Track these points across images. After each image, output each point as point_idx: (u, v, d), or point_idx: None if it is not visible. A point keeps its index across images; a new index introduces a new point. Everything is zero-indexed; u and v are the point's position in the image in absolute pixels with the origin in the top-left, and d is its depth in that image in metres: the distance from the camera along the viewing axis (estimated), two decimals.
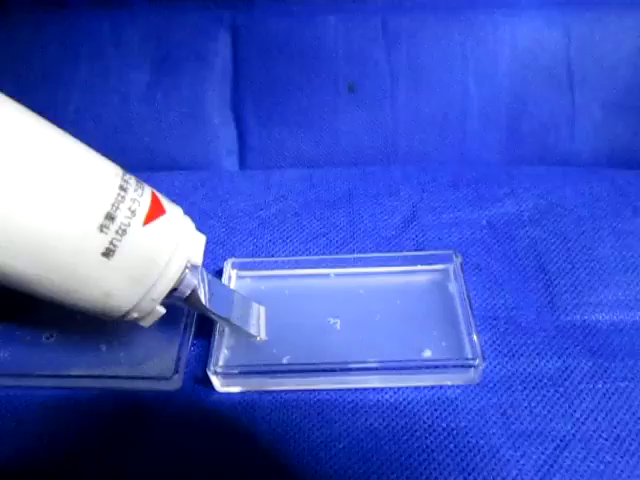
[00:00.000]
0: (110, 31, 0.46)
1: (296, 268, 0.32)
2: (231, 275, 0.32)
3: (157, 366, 0.29)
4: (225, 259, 0.33)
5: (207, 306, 0.27)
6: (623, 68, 0.44)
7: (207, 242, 0.35)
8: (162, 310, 0.26)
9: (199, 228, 0.36)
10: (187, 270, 0.26)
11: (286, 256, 0.34)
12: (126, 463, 0.27)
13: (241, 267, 0.33)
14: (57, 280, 0.23)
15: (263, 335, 0.29)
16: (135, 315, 0.25)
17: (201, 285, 0.26)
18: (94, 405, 0.29)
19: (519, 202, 0.37)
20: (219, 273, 0.32)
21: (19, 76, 0.46)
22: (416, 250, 0.34)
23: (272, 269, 0.33)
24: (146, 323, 0.27)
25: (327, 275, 0.32)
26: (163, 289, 0.25)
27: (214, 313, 0.27)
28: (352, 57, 0.45)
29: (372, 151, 0.45)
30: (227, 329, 0.29)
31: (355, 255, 0.33)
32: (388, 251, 0.34)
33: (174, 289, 0.26)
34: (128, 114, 0.45)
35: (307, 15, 0.45)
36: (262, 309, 0.30)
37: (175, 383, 0.29)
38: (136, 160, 0.45)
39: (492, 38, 0.44)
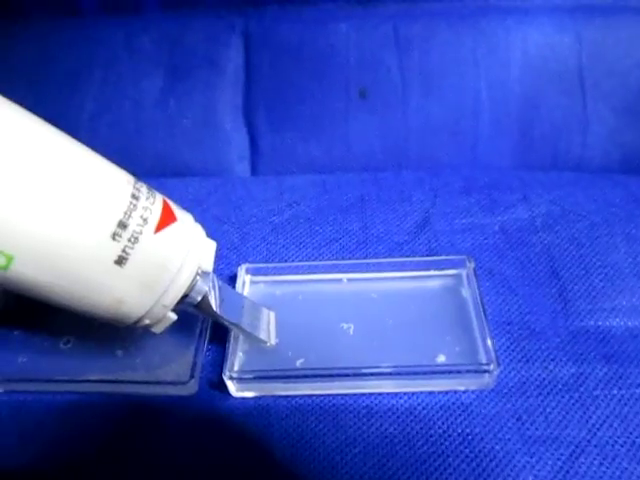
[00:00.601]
0: (124, 38, 0.47)
1: (309, 273, 0.32)
2: (245, 280, 0.32)
3: (173, 371, 0.29)
4: (239, 264, 0.33)
5: (218, 312, 0.27)
6: (635, 73, 0.44)
7: (220, 248, 0.35)
8: (174, 316, 0.27)
9: (212, 234, 0.36)
10: (198, 277, 0.26)
11: (299, 261, 0.35)
12: (143, 467, 0.27)
13: (255, 272, 0.33)
14: (70, 287, 0.23)
15: (273, 340, 0.30)
16: (147, 321, 0.26)
17: (212, 291, 0.27)
18: (111, 410, 0.29)
19: (532, 208, 0.37)
20: (233, 278, 0.33)
21: (34, 83, 0.47)
22: (428, 255, 0.34)
23: (286, 274, 0.33)
24: (158, 329, 0.27)
25: (340, 280, 0.32)
26: (174, 296, 0.25)
27: (225, 319, 0.28)
28: (364, 63, 0.45)
29: (384, 156, 0.45)
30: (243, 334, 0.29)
31: (368, 260, 0.33)
32: (400, 256, 0.34)
33: (185, 295, 0.26)
34: (141, 120, 0.46)
35: (319, 22, 0.46)
36: (272, 314, 0.31)
37: (191, 388, 0.29)
38: (149, 166, 0.46)
39: (504, 44, 0.44)
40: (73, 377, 0.30)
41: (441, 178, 0.40)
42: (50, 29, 0.48)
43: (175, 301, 0.26)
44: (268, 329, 0.30)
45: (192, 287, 0.26)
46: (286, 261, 0.35)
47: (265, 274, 0.33)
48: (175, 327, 0.31)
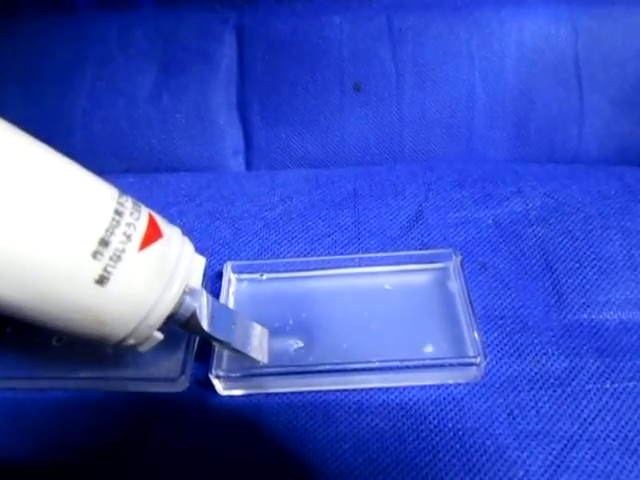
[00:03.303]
0: (117, 34, 0.47)
1: (297, 269, 0.32)
2: (231, 278, 0.32)
3: (163, 368, 0.29)
4: (231, 260, 0.33)
5: (207, 330, 0.26)
6: (632, 64, 0.44)
7: (212, 243, 0.35)
8: (160, 336, 0.25)
9: (204, 229, 0.36)
10: (185, 295, 0.25)
11: (291, 257, 0.34)
12: (133, 464, 0.27)
13: (241, 270, 0.33)
14: (49, 308, 0.22)
15: (265, 359, 0.28)
16: (132, 342, 0.25)
17: (201, 309, 0.25)
18: (101, 407, 0.29)
19: (526, 201, 0.36)
20: (220, 275, 0.32)
21: (27, 79, 0.47)
22: (420, 249, 0.34)
23: (272, 271, 0.33)
24: (143, 348, 0.26)
25: (329, 275, 0.32)
26: (160, 315, 0.24)
27: (215, 338, 0.26)
28: (357, 56, 0.45)
29: (378, 150, 0.45)
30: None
31: (356, 255, 0.33)
32: (393, 251, 0.34)
33: (172, 314, 0.25)
34: (135, 116, 0.46)
35: (312, 15, 0.45)
36: (265, 332, 0.29)
37: (181, 385, 0.29)
38: (143, 162, 0.45)
39: (498, 35, 0.44)
40: (64, 374, 0.30)
41: (435, 172, 0.39)
42: (43, 25, 0.48)
43: (161, 321, 0.24)
44: (260, 346, 0.28)
45: (179, 306, 0.25)
46: (277, 256, 0.34)
47: (251, 272, 0.33)
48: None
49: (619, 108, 0.44)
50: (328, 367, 0.27)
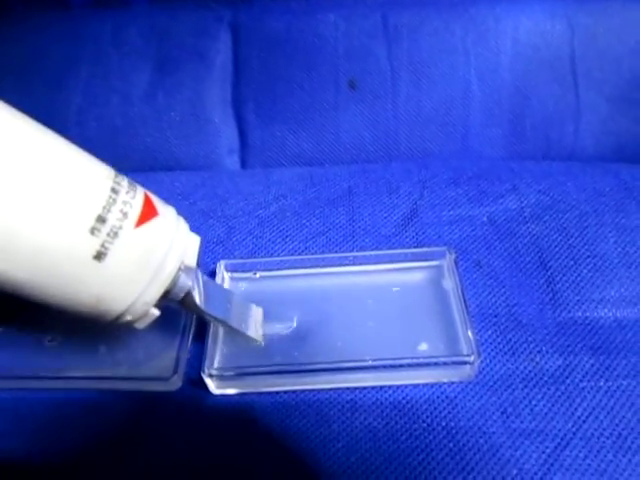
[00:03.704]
0: (111, 32, 0.47)
1: (291, 268, 0.32)
2: (224, 277, 0.32)
3: (156, 367, 0.29)
4: (225, 258, 0.33)
5: (202, 308, 0.27)
6: (628, 60, 0.43)
7: (206, 242, 0.35)
8: (156, 312, 0.26)
9: (198, 228, 0.36)
10: (181, 272, 0.26)
11: (285, 255, 0.34)
12: (126, 463, 0.27)
13: (234, 269, 0.33)
14: (48, 283, 0.23)
15: (260, 338, 0.29)
16: (129, 318, 0.25)
17: (196, 287, 0.26)
18: (94, 406, 0.29)
19: (521, 198, 0.36)
20: (213, 274, 0.32)
21: (21, 77, 0.46)
22: (415, 247, 0.34)
23: (266, 270, 0.32)
24: (140, 325, 0.26)
25: (322, 274, 0.32)
26: (156, 292, 0.25)
27: (210, 315, 0.27)
28: (352, 54, 0.44)
29: (374, 148, 0.45)
30: (222, 331, 0.29)
31: (350, 254, 0.33)
32: (387, 249, 0.34)
33: (168, 291, 0.25)
34: (129, 114, 0.46)
35: (307, 12, 0.45)
36: (260, 311, 0.30)
37: (174, 384, 0.29)
38: (138, 160, 0.45)
39: (494, 32, 0.44)
40: (57, 374, 0.29)
41: (429, 169, 0.39)
42: (37, 23, 0.47)
43: (157, 297, 0.25)
44: (256, 326, 0.29)
45: (175, 283, 0.25)
46: (272, 255, 0.34)
47: (245, 270, 0.32)
48: (159, 322, 0.31)
49: (615, 105, 0.44)
50: (321, 366, 0.27)
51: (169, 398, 0.29)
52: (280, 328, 0.30)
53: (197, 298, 0.26)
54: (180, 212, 0.38)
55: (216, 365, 0.28)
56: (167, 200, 0.37)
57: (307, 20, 0.45)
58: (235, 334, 0.28)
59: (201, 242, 0.28)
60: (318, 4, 0.45)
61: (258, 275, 0.32)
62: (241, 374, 0.27)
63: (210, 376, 0.27)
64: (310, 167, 0.42)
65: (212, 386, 0.28)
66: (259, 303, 0.31)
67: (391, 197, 0.37)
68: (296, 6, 0.46)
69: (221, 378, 0.27)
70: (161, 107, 0.45)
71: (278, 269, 0.33)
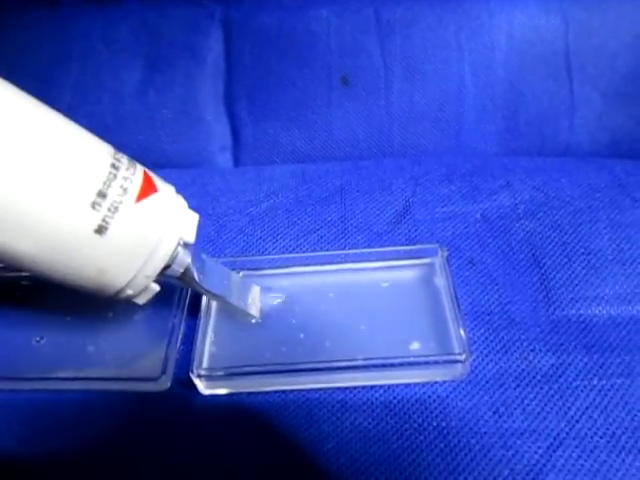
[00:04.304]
0: (101, 29, 0.46)
1: (282, 266, 0.32)
2: None
3: (144, 367, 0.29)
4: (215, 256, 0.32)
5: (201, 284, 0.27)
6: (623, 55, 0.43)
7: (197, 239, 0.35)
8: (156, 287, 0.27)
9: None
10: (180, 248, 0.26)
11: (276, 253, 0.34)
12: (114, 464, 0.26)
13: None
14: (50, 257, 0.23)
15: (258, 314, 0.30)
16: (130, 292, 0.26)
17: (195, 263, 0.27)
18: (82, 407, 0.28)
19: (514, 195, 0.36)
20: None
21: (11, 74, 0.45)
22: (407, 245, 0.33)
23: (256, 268, 0.32)
24: (141, 300, 0.27)
25: (314, 272, 0.32)
26: (156, 266, 0.25)
27: (209, 291, 0.28)
28: (345, 50, 0.44)
29: (367, 144, 0.44)
30: (213, 328, 0.29)
31: (342, 252, 0.32)
32: (380, 247, 0.33)
33: (167, 266, 0.26)
34: (120, 112, 0.45)
35: (299, 8, 0.45)
36: (257, 289, 0.31)
37: (163, 384, 0.28)
38: (129, 158, 0.45)
39: (488, 27, 0.43)
40: (45, 374, 0.29)
41: (422, 166, 0.39)
42: (26, 20, 0.47)
43: (157, 271, 0.26)
44: (254, 303, 0.30)
45: (174, 258, 0.26)
46: (263, 253, 0.34)
47: (234, 269, 0.32)
48: (147, 321, 0.31)
49: (610, 100, 0.43)
50: (311, 365, 0.27)
51: (158, 398, 0.28)
52: (273, 298, 0.31)
53: (196, 274, 0.27)
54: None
55: (205, 365, 0.28)
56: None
57: (299, 16, 0.44)
58: (233, 310, 0.29)
59: (200, 220, 0.28)
60: (310, 0, 0.45)
61: (241, 274, 0.32)
62: (230, 374, 0.27)
63: (199, 376, 0.27)
64: (302, 164, 0.42)
65: (201, 386, 0.27)
66: None
67: (383, 194, 0.37)
68: (288, 2, 0.45)
69: (210, 378, 0.27)
70: (152, 104, 0.45)
71: (269, 267, 0.32)
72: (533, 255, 0.32)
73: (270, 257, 0.33)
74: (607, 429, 0.26)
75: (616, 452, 0.25)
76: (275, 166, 0.42)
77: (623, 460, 0.25)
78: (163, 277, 0.26)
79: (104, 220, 0.23)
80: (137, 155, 0.45)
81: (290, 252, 0.34)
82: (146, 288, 0.26)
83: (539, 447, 0.25)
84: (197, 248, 0.27)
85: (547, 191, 0.36)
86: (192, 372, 0.27)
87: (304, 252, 0.34)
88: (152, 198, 0.25)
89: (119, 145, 0.45)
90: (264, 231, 0.35)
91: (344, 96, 0.44)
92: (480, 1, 0.43)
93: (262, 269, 0.32)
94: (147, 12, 0.46)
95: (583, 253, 0.32)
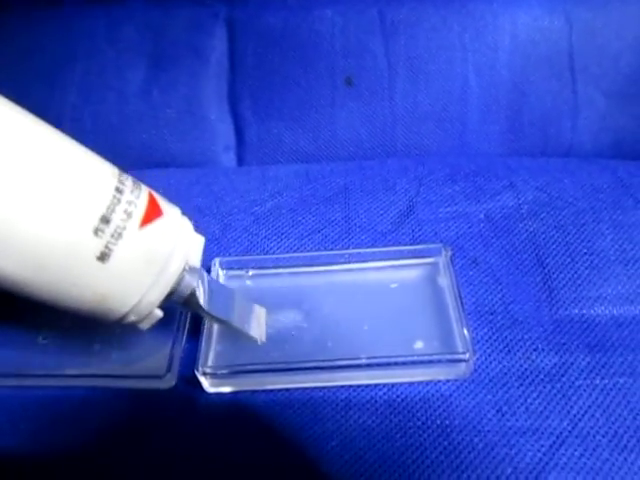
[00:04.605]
0: (106, 28, 0.46)
1: (287, 265, 0.32)
2: (219, 274, 0.32)
3: (150, 365, 0.29)
4: (220, 256, 0.33)
5: (206, 309, 0.26)
6: (627, 56, 0.43)
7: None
8: (160, 313, 0.26)
9: (193, 225, 0.35)
10: (185, 273, 0.25)
11: (280, 252, 0.34)
12: (119, 462, 0.27)
13: (229, 266, 0.33)
14: (51, 284, 0.23)
15: (263, 338, 0.29)
16: (133, 318, 0.25)
17: (200, 287, 0.26)
18: (88, 404, 0.28)
19: (518, 195, 0.36)
20: (208, 271, 0.32)
21: (16, 74, 0.46)
22: (411, 245, 0.33)
23: (261, 267, 0.32)
24: (144, 326, 0.26)
25: (319, 271, 0.32)
26: (160, 292, 0.25)
27: (214, 316, 0.27)
28: (349, 50, 0.44)
29: (370, 144, 0.44)
30: (219, 327, 0.29)
31: (345, 251, 0.32)
32: (384, 246, 0.34)
33: (172, 292, 0.25)
34: (125, 111, 0.45)
35: (303, 8, 0.45)
36: (263, 311, 0.30)
37: (168, 382, 0.28)
38: (133, 157, 0.45)
39: (491, 28, 0.43)
40: (51, 372, 0.29)
41: (426, 166, 0.39)
42: (31, 20, 0.47)
43: (161, 298, 0.25)
44: (258, 325, 0.29)
45: (179, 283, 0.25)
46: (267, 252, 0.34)
47: (240, 268, 0.32)
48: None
49: (613, 101, 0.43)
50: (316, 364, 0.27)
51: (163, 396, 0.28)
52: (284, 322, 0.30)
53: (201, 299, 0.26)
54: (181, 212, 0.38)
55: (210, 363, 0.28)
56: (167, 199, 0.37)
57: (303, 16, 0.45)
58: (237, 333, 0.28)
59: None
60: (314, 0, 0.45)
61: (251, 273, 0.32)
62: (235, 372, 0.27)
63: (204, 374, 0.27)
64: (306, 164, 0.42)
65: (206, 384, 0.28)
66: (253, 301, 0.31)
67: (387, 194, 0.37)
68: (292, 2, 0.45)
69: (215, 376, 0.27)
70: (156, 104, 0.45)
71: (273, 267, 0.32)
72: (536, 255, 0.33)
73: (274, 256, 0.33)
74: (609, 428, 0.26)
75: (618, 451, 0.25)
76: (279, 166, 0.42)
77: (625, 459, 0.25)
78: (167, 302, 0.26)
79: (107, 247, 0.22)
80: (141, 154, 0.46)
81: (294, 251, 0.34)
82: (150, 314, 0.25)
83: (542, 445, 0.25)
84: (203, 270, 0.27)
85: (550, 191, 0.36)
86: (197, 370, 0.27)
87: (308, 251, 0.34)
88: (157, 223, 0.24)
89: (123, 144, 0.46)
90: (268, 230, 0.35)
91: (348, 96, 0.44)
92: (484, 2, 0.43)
93: (266, 268, 0.33)
94: (151, 12, 0.46)
95: (586, 253, 0.32)
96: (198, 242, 0.27)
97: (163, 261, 0.24)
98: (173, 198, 0.38)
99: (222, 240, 0.35)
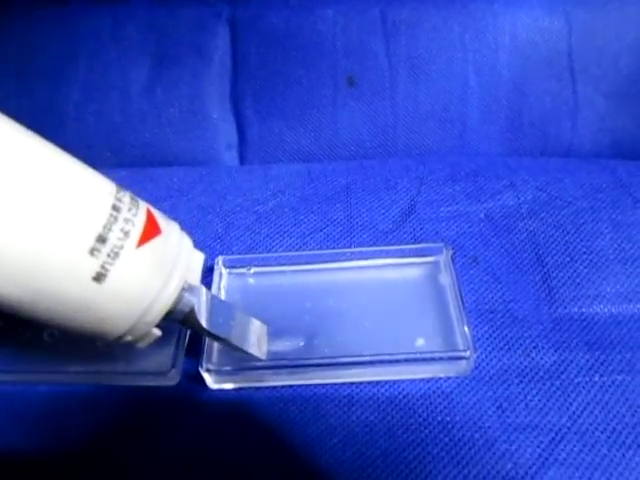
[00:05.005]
0: (110, 27, 0.46)
1: (289, 264, 0.32)
2: (222, 272, 0.32)
3: (154, 362, 0.29)
4: (222, 254, 0.33)
5: (206, 327, 0.25)
6: (626, 56, 0.43)
7: (204, 237, 0.35)
8: (158, 332, 0.25)
9: (196, 224, 0.36)
10: (184, 292, 0.25)
11: (283, 251, 0.34)
12: (124, 458, 0.27)
13: (232, 264, 0.33)
14: (46, 304, 0.22)
15: (264, 356, 0.28)
16: (129, 338, 0.24)
17: (199, 305, 0.25)
18: (92, 401, 0.29)
19: (518, 194, 0.36)
20: (211, 269, 0.32)
21: (20, 73, 0.46)
22: (412, 243, 0.34)
23: (263, 266, 0.33)
24: (141, 345, 0.25)
25: (320, 270, 0.32)
26: (158, 312, 0.24)
27: (213, 334, 0.26)
28: (351, 50, 0.44)
29: (372, 144, 0.45)
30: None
31: (347, 250, 0.33)
32: (385, 245, 0.34)
33: (170, 311, 0.24)
34: (128, 110, 0.46)
35: (305, 8, 0.45)
36: (264, 328, 0.29)
37: (172, 378, 0.29)
38: (136, 155, 0.45)
39: (492, 28, 0.44)
40: (55, 369, 0.30)
41: (427, 165, 0.39)
42: (35, 19, 0.47)
43: (159, 318, 0.24)
44: (259, 342, 0.28)
45: (177, 303, 0.24)
46: (269, 251, 0.35)
47: (242, 266, 0.32)
48: None
49: (613, 101, 0.44)
50: (318, 361, 0.27)
51: (167, 393, 0.29)
52: (287, 345, 0.29)
53: (201, 318, 0.25)
54: (178, 208, 0.38)
55: (214, 360, 0.28)
56: (165, 196, 0.37)
57: (305, 16, 0.45)
58: (237, 351, 0.27)
59: (205, 259, 0.27)
60: (316, 0, 0.45)
61: (252, 270, 0.32)
62: (238, 369, 0.27)
63: (208, 371, 0.27)
64: (308, 163, 0.42)
65: (210, 381, 0.28)
66: (256, 300, 0.31)
67: (389, 193, 0.37)
68: (294, 2, 0.46)
69: (219, 373, 0.28)
70: (159, 103, 0.46)
71: (275, 265, 0.33)
72: (536, 254, 0.33)
73: (277, 255, 0.33)
74: (608, 424, 0.26)
75: (616, 447, 0.25)
76: (281, 165, 0.42)
77: (623, 455, 0.25)
78: (165, 322, 0.25)
79: (103, 267, 0.21)
80: (144, 152, 0.46)
81: (296, 250, 0.34)
82: (147, 334, 0.25)
83: (541, 442, 0.26)
84: (201, 287, 0.26)
85: (550, 191, 0.36)
86: (201, 367, 0.27)
87: (310, 250, 0.34)
88: (155, 241, 0.23)
89: (126, 143, 0.46)
90: (271, 229, 0.36)
91: (349, 96, 0.44)
92: (484, 2, 0.44)
93: (269, 266, 0.33)
94: (155, 11, 0.47)
95: (585, 252, 0.33)
96: (198, 259, 0.26)
97: (161, 281, 0.23)
98: (176, 196, 0.39)
99: (225, 238, 0.35)
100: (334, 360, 0.27)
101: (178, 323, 0.26)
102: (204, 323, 0.25)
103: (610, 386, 0.27)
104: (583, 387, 0.27)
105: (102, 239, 0.21)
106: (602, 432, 0.26)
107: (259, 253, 0.34)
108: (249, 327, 0.28)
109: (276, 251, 0.35)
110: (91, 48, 0.46)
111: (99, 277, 0.22)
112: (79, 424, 0.28)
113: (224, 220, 0.37)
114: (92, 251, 0.21)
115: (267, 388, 0.28)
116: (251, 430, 0.27)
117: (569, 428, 0.26)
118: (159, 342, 0.30)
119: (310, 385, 0.28)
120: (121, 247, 0.22)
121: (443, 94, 0.44)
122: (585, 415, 0.26)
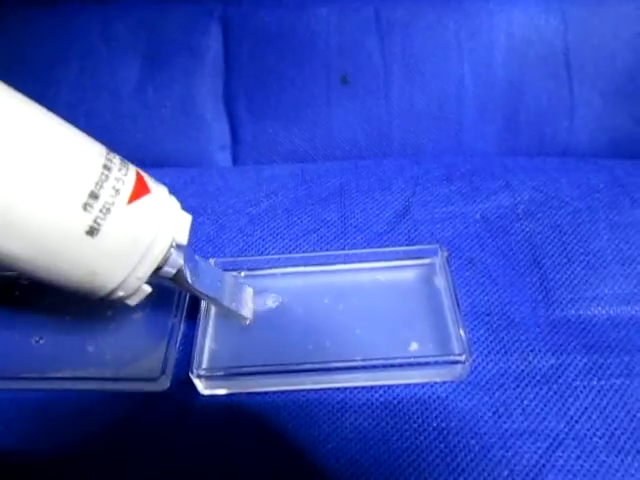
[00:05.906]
0: (100, 27, 0.46)
1: (282, 266, 0.32)
2: None
3: (144, 367, 0.29)
4: (215, 256, 0.32)
5: (194, 286, 0.27)
6: (623, 54, 0.43)
7: (196, 239, 0.35)
8: (148, 289, 0.26)
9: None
10: (172, 249, 0.26)
11: (276, 253, 0.34)
12: (113, 464, 0.26)
13: (225, 267, 0.32)
14: (41, 258, 0.23)
15: (250, 316, 0.30)
16: (121, 294, 0.26)
17: (187, 265, 0.27)
18: (82, 406, 0.28)
19: (514, 195, 0.36)
20: None
21: (10, 72, 0.45)
22: (407, 245, 0.33)
23: (256, 268, 0.32)
24: (132, 302, 0.27)
25: (313, 272, 0.32)
26: (148, 268, 0.25)
27: (202, 293, 0.28)
28: (345, 49, 0.44)
29: (366, 144, 0.44)
30: (213, 329, 0.29)
31: (341, 252, 0.32)
32: (380, 247, 0.33)
33: (160, 268, 0.26)
34: (119, 110, 0.45)
35: (299, 7, 0.45)
36: (250, 291, 0.31)
37: (162, 384, 0.28)
38: (128, 156, 0.44)
39: (487, 27, 0.43)
40: (45, 374, 0.29)
41: (422, 166, 0.39)
42: (26, 18, 0.47)
43: (149, 273, 0.25)
44: (246, 304, 0.30)
45: (166, 260, 0.26)
46: (262, 253, 0.34)
47: (234, 268, 0.32)
48: (147, 321, 0.31)
49: (610, 100, 0.43)
50: (311, 366, 0.27)
51: (157, 399, 0.28)
52: (268, 302, 0.31)
53: (188, 276, 0.27)
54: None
55: (204, 365, 0.28)
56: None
57: (299, 14, 0.44)
58: (225, 311, 0.29)
59: (192, 221, 0.28)
60: None
61: (243, 274, 0.32)
62: (230, 374, 0.27)
63: (198, 376, 0.27)
64: (302, 164, 0.42)
65: (200, 386, 0.27)
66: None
67: (383, 194, 0.37)
68: (288, 0, 0.45)
69: (210, 378, 0.27)
70: (151, 103, 0.45)
71: (268, 267, 0.32)
72: (533, 255, 0.33)
73: (270, 257, 0.33)
74: (606, 429, 0.26)
75: (615, 452, 0.25)
76: (274, 165, 0.42)
77: (622, 460, 0.25)
78: (155, 278, 0.26)
79: (95, 221, 0.23)
80: (136, 153, 0.45)
81: (290, 252, 0.34)
82: (138, 289, 0.26)
83: (538, 447, 0.25)
84: (190, 249, 0.27)
85: (547, 191, 0.36)
86: (192, 372, 0.27)
87: (304, 252, 0.34)
88: (144, 199, 0.25)
89: (118, 143, 0.45)
90: (264, 231, 0.35)
91: (344, 95, 0.44)
92: (480, 0, 0.43)
93: (262, 269, 0.32)
94: (146, 10, 0.46)
95: (582, 253, 0.32)
96: (185, 220, 0.27)
97: (151, 237, 0.25)
98: None
99: (217, 240, 0.35)
100: (327, 365, 0.26)
101: (169, 282, 0.27)
102: (191, 282, 0.27)
103: (608, 390, 0.27)
104: (581, 391, 0.27)
105: (94, 195, 0.23)
106: (600, 437, 0.25)
107: (252, 255, 0.34)
108: (237, 290, 0.30)
109: (269, 253, 0.34)
110: (81, 48, 0.46)
111: (92, 231, 0.23)
112: (68, 430, 0.28)
113: (216, 222, 0.36)
114: (85, 206, 0.23)
115: (259, 393, 0.28)
116: (242, 436, 0.27)
117: (567, 433, 0.26)
118: (149, 347, 0.29)
119: (302, 390, 0.28)
120: (112, 203, 0.23)
121: (438, 93, 0.43)
122: (583, 420, 0.26)
